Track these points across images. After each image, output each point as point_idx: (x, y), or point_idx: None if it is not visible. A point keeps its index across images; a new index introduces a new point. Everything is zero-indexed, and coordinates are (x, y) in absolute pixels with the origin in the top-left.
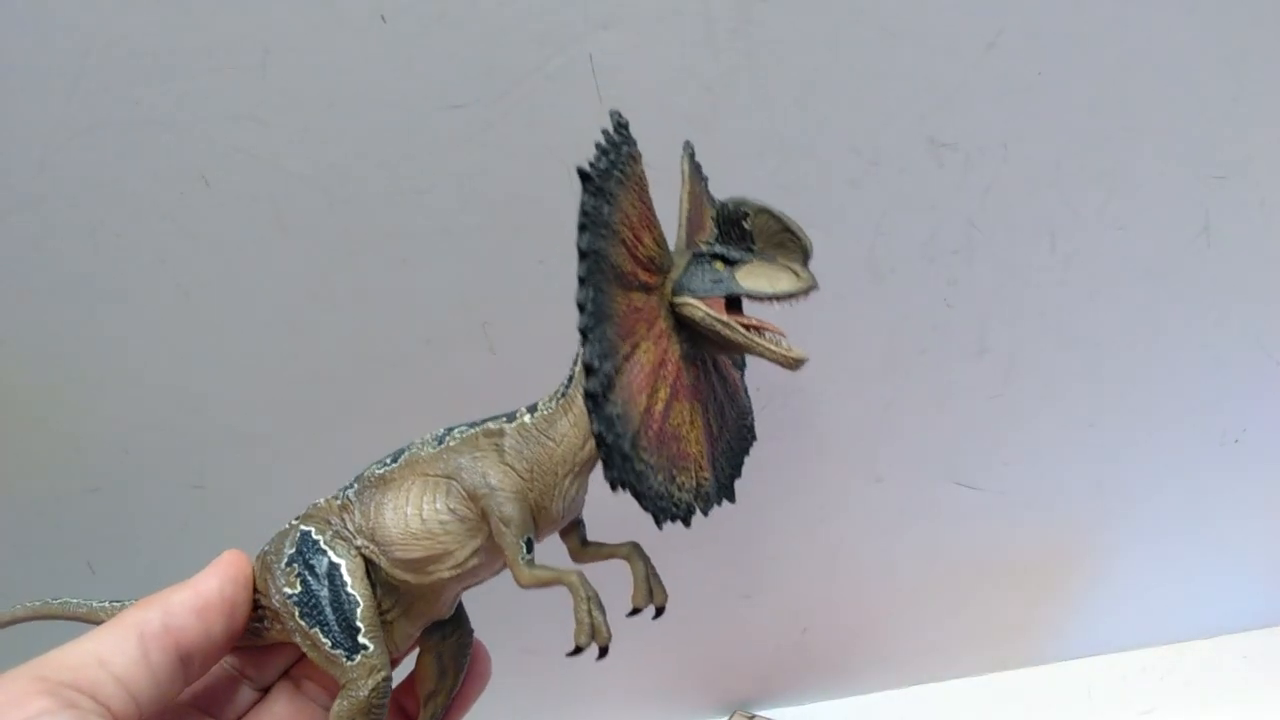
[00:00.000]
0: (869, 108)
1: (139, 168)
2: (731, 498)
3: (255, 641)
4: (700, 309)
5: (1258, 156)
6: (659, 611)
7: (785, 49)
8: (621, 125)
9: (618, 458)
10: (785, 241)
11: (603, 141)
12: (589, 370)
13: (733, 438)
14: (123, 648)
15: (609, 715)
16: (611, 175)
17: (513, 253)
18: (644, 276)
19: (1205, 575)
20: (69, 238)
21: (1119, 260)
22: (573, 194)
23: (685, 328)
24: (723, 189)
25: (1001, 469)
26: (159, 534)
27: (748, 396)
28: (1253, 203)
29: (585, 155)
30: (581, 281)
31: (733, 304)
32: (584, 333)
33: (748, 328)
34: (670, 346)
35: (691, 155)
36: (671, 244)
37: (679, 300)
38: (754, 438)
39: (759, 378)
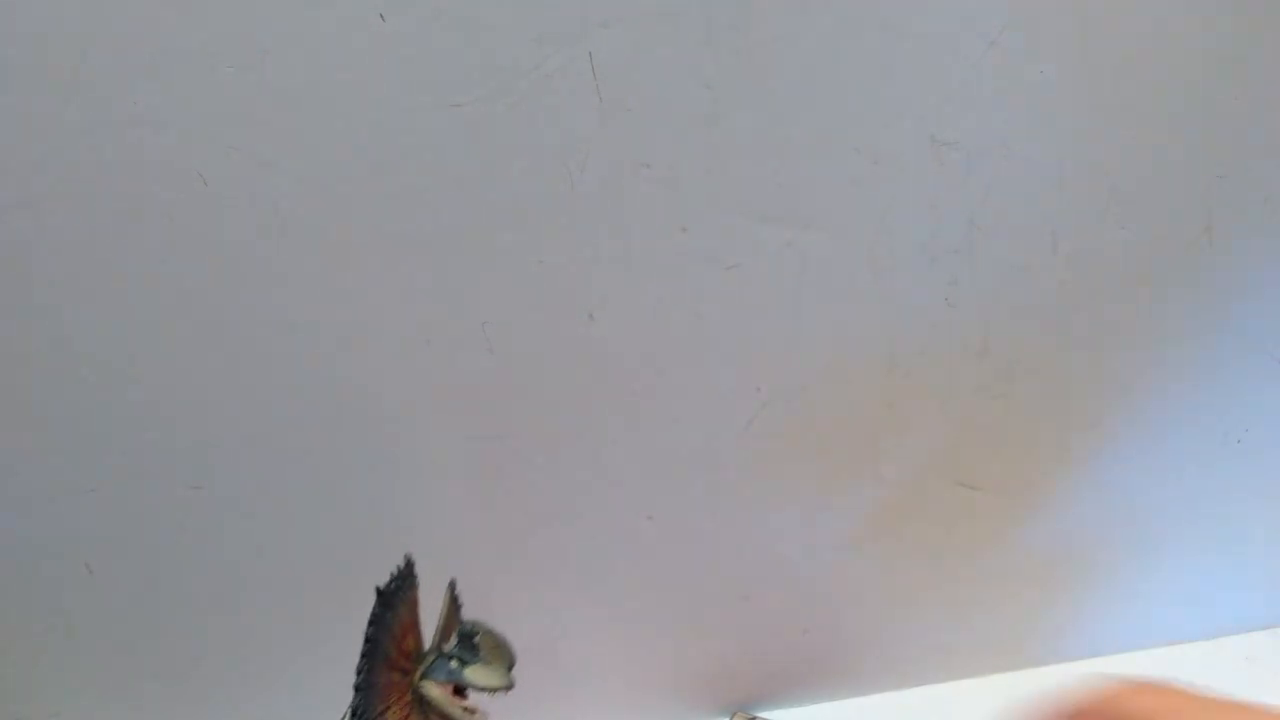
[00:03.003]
0: (870, 106)
1: (137, 167)
2: None
3: None
4: (435, 691)
5: (1260, 155)
6: None
7: (785, 48)
8: (410, 563)
9: None
10: (502, 653)
11: (396, 571)
12: (357, 716)
13: None
14: None
15: (609, 716)
16: (397, 594)
17: (513, 253)
18: (403, 663)
19: (1207, 576)
20: (68, 237)
21: (1121, 260)
22: (573, 194)
23: (424, 702)
24: (723, 188)
25: (1003, 469)
26: (158, 534)
27: None
28: (1255, 202)
29: (585, 155)
30: (363, 658)
31: (459, 690)
32: (357, 690)
33: (466, 709)
34: (413, 714)
35: (452, 589)
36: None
37: (423, 683)
38: None
39: (760, 378)
